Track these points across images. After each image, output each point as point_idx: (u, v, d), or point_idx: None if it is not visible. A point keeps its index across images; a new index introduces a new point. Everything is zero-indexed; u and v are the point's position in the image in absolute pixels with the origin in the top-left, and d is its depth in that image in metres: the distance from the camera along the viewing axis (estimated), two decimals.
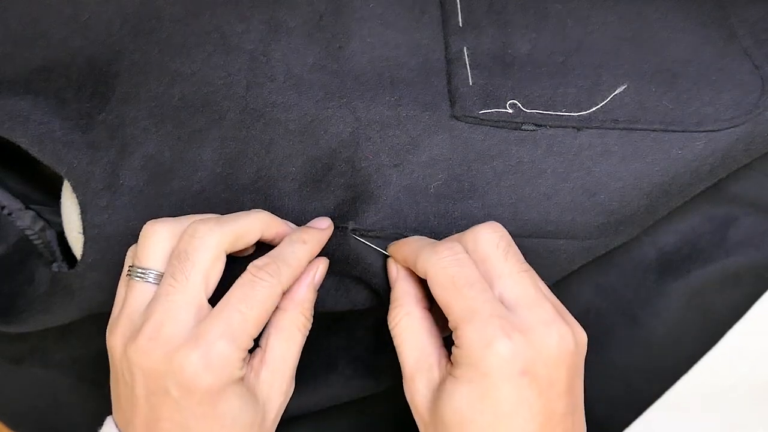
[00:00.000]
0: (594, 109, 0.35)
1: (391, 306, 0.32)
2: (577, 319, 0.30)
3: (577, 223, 0.35)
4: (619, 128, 0.35)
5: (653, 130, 0.35)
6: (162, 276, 0.30)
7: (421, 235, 0.34)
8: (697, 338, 0.43)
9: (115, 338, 0.29)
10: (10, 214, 0.41)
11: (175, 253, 0.29)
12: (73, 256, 0.39)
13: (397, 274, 0.33)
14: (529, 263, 0.31)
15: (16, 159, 0.39)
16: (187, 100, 0.36)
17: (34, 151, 0.34)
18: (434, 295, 0.30)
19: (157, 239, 0.30)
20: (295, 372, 0.32)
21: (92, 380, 0.44)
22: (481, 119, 0.35)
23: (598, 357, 0.43)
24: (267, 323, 0.31)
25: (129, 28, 0.37)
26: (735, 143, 0.35)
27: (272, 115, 0.35)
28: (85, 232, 0.34)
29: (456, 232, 0.33)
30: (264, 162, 0.35)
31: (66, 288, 0.36)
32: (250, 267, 0.30)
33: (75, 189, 0.34)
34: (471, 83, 0.36)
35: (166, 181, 0.35)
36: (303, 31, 0.37)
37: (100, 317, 0.33)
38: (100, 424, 0.31)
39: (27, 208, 0.42)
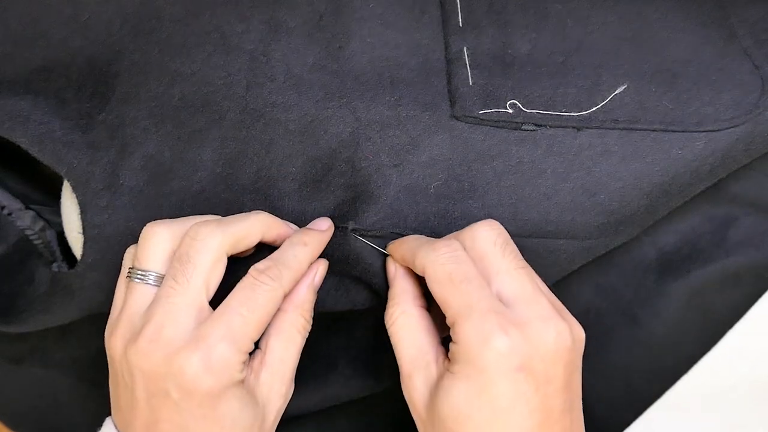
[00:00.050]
0: (594, 109, 0.35)
1: (388, 304, 0.32)
2: (577, 320, 0.30)
3: (577, 223, 0.35)
4: (619, 128, 0.35)
5: (653, 130, 0.35)
6: (162, 278, 0.30)
7: (421, 235, 0.34)
8: (697, 338, 0.43)
9: (115, 340, 0.29)
10: (10, 214, 0.41)
11: (177, 256, 0.29)
12: (73, 256, 0.39)
13: (395, 272, 0.33)
14: (529, 263, 0.31)
15: (16, 159, 0.39)
16: (187, 100, 0.36)
17: (34, 151, 0.34)
18: (432, 292, 0.30)
19: (157, 241, 0.30)
20: (294, 373, 0.32)
21: (92, 380, 0.44)
22: (481, 119, 0.35)
23: (598, 357, 0.43)
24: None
25: (129, 28, 0.37)
26: (735, 143, 0.35)
27: (272, 115, 0.35)
28: (85, 232, 0.34)
29: None
30: (264, 162, 0.35)
31: (66, 288, 0.36)
32: (252, 270, 0.30)
33: (75, 189, 0.34)
34: (471, 83, 0.36)
35: (166, 181, 0.35)
36: (303, 31, 0.37)
37: (99, 317, 0.33)
38: (100, 424, 0.31)
39: (27, 208, 0.42)
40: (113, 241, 0.34)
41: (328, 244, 0.34)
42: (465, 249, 0.30)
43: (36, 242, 0.41)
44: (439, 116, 0.36)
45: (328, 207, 0.35)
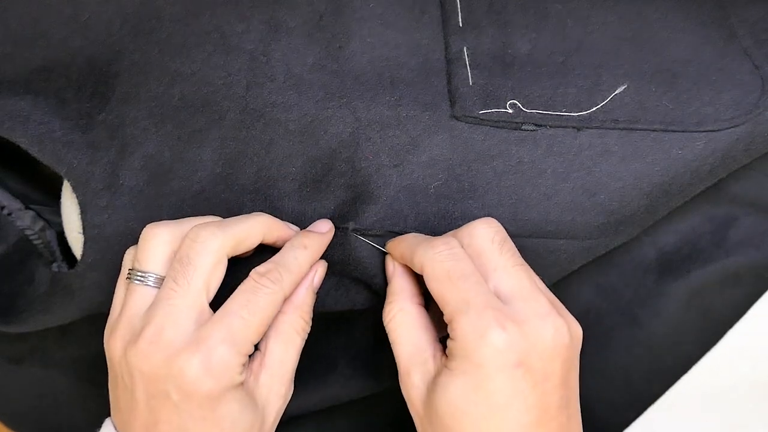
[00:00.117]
0: (594, 109, 0.35)
1: (386, 302, 0.32)
2: (577, 320, 0.30)
3: (577, 223, 0.35)
4: (619, 128, 0.35)
5: (653, 130, 0.35)
6: (162, 279, 0.30)
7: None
8: (697, 338, 0.43)
9: (115, 341, 0.29)
10: (10, 214, 0.41)
11: (177, 257, 0.29)
12: (73, 256, 0.39)
13: (393, 270, 0.33)
14: (529, 263, 0.31)
15: (16, 159, 0.39)
16: (187, 100, 0.36)
17: (34, 151, 0.34)
18: (430, 289, 0.30)
19: (157, 242, 0.30)
20: (294, 375, 0.32)
21: (92, 380, 0.44)
22: (481, 119, 0.35)
23: (598, 357, 0.43)
24: None
25: (129, 28, 0.37)
26: (735, 143, 0.35)
27: (272, 115, 0.35)
28: (85, 232, 0.34)
29: None
30: (264, 162, 0.35)
31: (66, 288, 0.36)
32: (253, 273, 0.30)
33: (75, 189, 0.34)
34: (471, 83, 0.36)
35: (166, 181, 0.35)
36: (303, 31, 0.37)
37: (99, 317, 0.33)
38: (100, 424, 0.31)
39: (27, 208, 0.42)
40: (113, 241, 0.34)
41: (328, 244, 0.34)
42: (463, 246, 0.30)
43: (36, 242, 0.41)
44: (439, 116, 0.36)
45: (328, 207, 0.35)
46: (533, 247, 0.35)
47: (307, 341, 0.32)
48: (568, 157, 0.35)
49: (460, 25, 0.38)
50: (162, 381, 0.28)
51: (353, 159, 0.35)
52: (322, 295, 0.35)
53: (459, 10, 0.38)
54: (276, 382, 0.31)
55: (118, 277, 0.32)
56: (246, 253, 0.33)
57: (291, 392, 0.32)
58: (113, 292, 0.32)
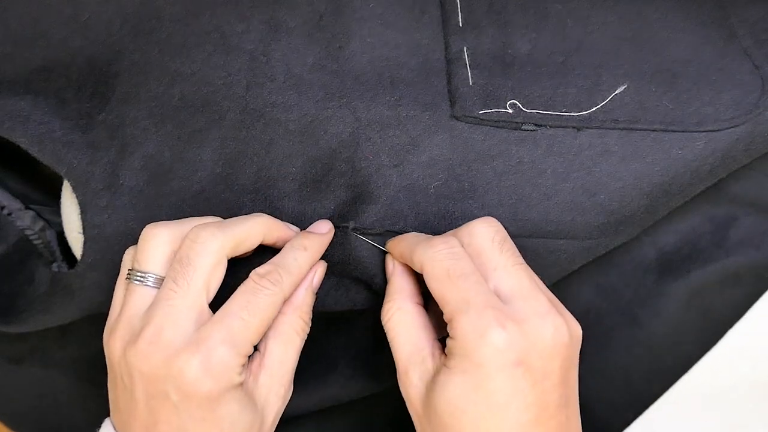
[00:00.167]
0: (594, 109, 0.35)
1: (385, 301, 0.32)
2: (577, 319, 0.30)
3: (577, 223, 0.35)
4: (619, 128, 0.35)
5: (653, 130, 0.35)
6: (161, 280, 0.30)
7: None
8: (697, 338, 0.43)
9: (114, 341, 0.29)
10: (10, 214, 0.41)
11: (177, 258, 0.29)
12: (73, 256, 0.39)
13: (393, 269, 0.33)
14: (529, 263, 0.31)
15: (16, 159, 0.39)
16: (187, 100, 0.36)
17: (34, 151, 0.34)
18: (430, 288, 0.30)
19: (157, 243, 0.30)
20: (293, 376, 0.32)
21: (92, 380, 0.44)
22: (481, 119, 0.35)
23: (598, 357, 0.43)
24: None
25: (129, 28, 0.37)
26: (735, 143, 0.35)
27: (272, 115, 0.35)
28: (85, 232, 0.34)
29: None
30: (264, 162, 0.35)
31: (66, 288, 0.36)
32: (253, 275, 0.30)
33: (75, 189, 0.34)
34: (471, 83, 0.36)
35: (166, 181, 0.35)
36: (303, 31, 0.37)
37: (99, 317, 0.33)
38: (100, 424, 0.31)
39: (27, 208, 0.42)
40: (113, 241, 0.34)
41: (328, 245, 0.34)
42: (463, 246, 0.30)
43: (36, 242, 0.41)
44: (439, 116, 0.36)
45: (328, 207, 0.35)
46: (533, 247, 0.35)
47: (307, 341, 0.32)
48: (568, 157, 0.35)
49: (460, 25, 0.38)
50: (161, 381, 0.28)
51: (353, 159, 0.35)
52: (322, 295, 0.34)
53: (459, 10, 0.38)
54: (275, 383, 0.31)
55: (117, 278, 0.32)
56: (246, 253, 0.33)
57: (290, 393, 0.32)
58: (113, 292, 0.32)
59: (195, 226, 0.30)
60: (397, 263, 0.33)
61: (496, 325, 0.27)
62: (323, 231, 0.33)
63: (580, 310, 0.43)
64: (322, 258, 0.34)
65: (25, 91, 0.36)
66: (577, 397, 0.30)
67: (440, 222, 0.35)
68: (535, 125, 0.35)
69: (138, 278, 0.30)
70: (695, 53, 0.37)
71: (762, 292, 0.43)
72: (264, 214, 0.33)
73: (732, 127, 0.35)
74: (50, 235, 0.42)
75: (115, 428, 0.30)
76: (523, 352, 0.27)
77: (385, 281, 0.34)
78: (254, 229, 0.31)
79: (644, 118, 0.35)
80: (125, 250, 0.32)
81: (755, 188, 0.43)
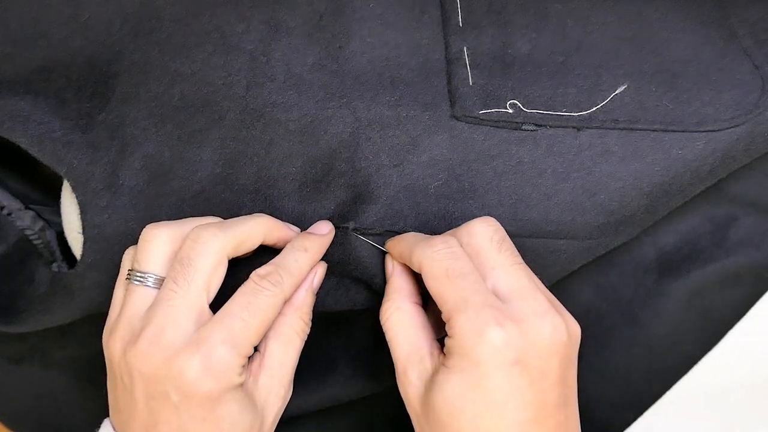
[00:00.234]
0: (594, 109, 0.35)
1: (384, 300, 0.32)
2: (577, 319, 0.30)
3: (577, 223, 0.35)
4: (619, 128, 0.35)
5: (653, 130, 0.35)
6: (161, 280, 0.30)
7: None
8: (697, 338, 0.43)
9: (114, 342, 0.29)
10: (10, 214, 0.41)
11: (178, 258, 0.29)
12: (73, 256, 0.39)
13: (392, 269, 0.33)
14: (529, 263, 0.31)
15: (16, 159, 0.39)
16: (187, 100, 0.36)
17: (34, 151, 0.34)
18: (428, 288, 0.30)
19: (157, 243, 0.30)
20: (293, 376, 0.32)
21: (92, 380, 0.44)
22: (481, 119, 0.35)
23: (598, 357, 0.43)
24: None
25: (129, 28, 0.37)
26: (735, 143, 0.35)
27: (272, 115, 0.35)
28: (84, 232, 0.34)
29: None
30: (264, 162, 0.35)
31: (66, 288, 0.36)
32: (253, 275, 0.30)
33: (75, 189, 0.34)
34: (471, 83, 0.36)
35: (166, 181, 0.35)
36: (303, 31, 0.37)
37: (99, 317, 0.33)
38: (99, 425, 0.31)
39: (27, 208, 0.42)
40: (113, 241, 0.34)
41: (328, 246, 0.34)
42: (462, 245, 0.30)
43: (36, 242, 0.41)
44: (439, 116, 0.36)
45: (328, 207, 0.35)
46: (533, 247, 0.35)
47: (307, 341, 0.32)
48: (568, 157, 0.35)
49: (460, 25, 0.38)
50: (162, 382, 0.28)
51: (353, 159, 0.35)
52: (322, 295, 0.34)
53: (459, 10, 0.38)
54: (275, 383, 0.31)
55: (117, 278, 0.32)
56: (246, 253, 0.33)
57: (290, 393, 0.32)
58: (113, 292, 0.32)
59: (196, 227, 0.30)
60: (396, 263, 0.33)
61: (494, 324, 0.27)
62: (324, 232, 0.33)
63: (580, 310, 0.43)
64: (323, 258, 0.34)
65: (25, 91, 0.36)
66: (576, 397, 0.30)
67: (440, 222, 0.35)
68: (535, 125, 0.35)
69: (138, 278, 0.30)
70: (695, 53, 0.37)
71: (762, 292, 0.43)
72: (265, 215, 0.33)
73: (732, 127, 0.35)
74: (50, 235, 0.42)
75: (114, 428, 0.30)
76: (521, 351, 0.27)
77: (385, 281, 0.34)
78: (255, 229, 0.31)
79: (644, 118, 0.35)
80: (125, 250, 0.32)
81: (755, 188, 0.43)
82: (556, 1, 0.38)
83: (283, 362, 0.31)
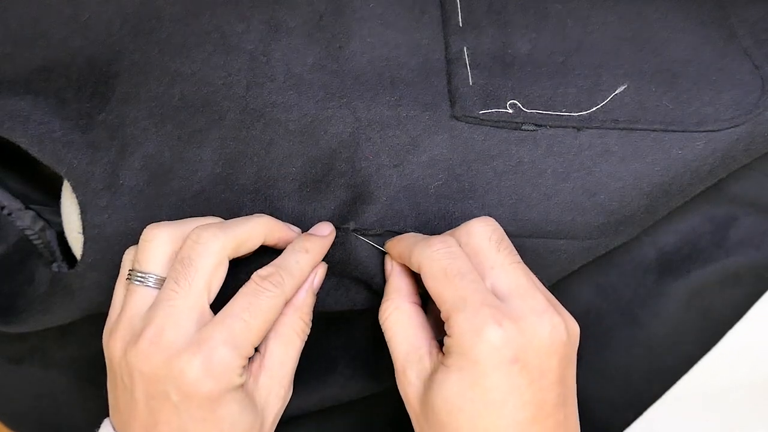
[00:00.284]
0: (594, 109, 0.35)
1: (383, 300, 0.32)
2: (576, 319, 0.30)
3: (577, 223, 0.35)
4: (619, 128, 0.35)
5: (653, 130, 0.35)
6: (162, 280, 0.30)
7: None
8: (697, 338, 0.43)
9: (114, 342, 0.29)
10: (10, 214, 0.41)
11: (179, 258, 0.29)
12: (73, 256, 0.39)
13: (391, 269, 0.33)
14: (529, 263, 0.31)
15: (16, 159, 0.39)
16: (187, 100, 0.36)
17: (34, 151, 0.34)
18: (427, 287, 0.30)
19: (158, 243, 0.30)
20: (293, 376, 0.32)
21: (92, 380, 0.44)
22: (481, 119, 0.35)
23: (598, 357, 0.43)
24: None
25: (129, 28, 0.37)
26: (735, 143, 0.35)
27: (272, 115, 0.35)
28: (85, 232, 0.34)
29: None
30: (264, 162, 0.35)
31: (66, 288, 0.36)
32: (254, 276, 0.30)
33: (75, 189, 0.34)
34: (471, 83, 0.36)
35: (166, 181, 0.35)
36: (303, 31, 0.37)
37: (99, 317, 0.33)
38: (99, 425, 0.31)
39: (27, 208, 0.42)
40: (113, 241, 0.34)
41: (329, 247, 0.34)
42: (461, 245, 0.30)
43: (36, 242, 0.41)
44: (439, 116, 0.36)
45: (328, 207, 0.35)
46: (533, 247, 0.35)
47: (307, 341, 0.32)
48: (568, 157, 0.35)
49: (460, 25, 0.38)
50: (162, 382, 0.28)
51: (353, 159, 0.35)
52: (322, 295, 0.34)
53: (459, 10, 0.38)
54: (275, 384, 0.31)
55: (117, 278, 0.32)
56: (247, 254, 0.33)
57: (290, 393, 0.32)
58: (113, 292, 0.32)
59: (197, 227, 0.30)
60: (395, 263, 0.33)
61: (492, 323, 0.27)
62: (325, 233, 0.33)
63: (580, 310, 0.43)
64: (323, 259, 0.34)
65: (25, 91, 0.36)
66: (575, 397, 0.30)
67: (440, 222, 0.35)
68: (535, 125, 0.35)
69: (138, 278, 0.30)
70: (695, 53, 0.37)
71: (762, 292, 0.43)
72: (265, 215, 0.33)
73: (732, 127, 0.35)
74: (50, 235, 0.42)
75: (114, 428, 0.30)
76: (519, 350, 0.27)
77: (384, 281, 0.34)
78: (255, 230, 0.31)
79: (644, 118, 0.35)
80: (125, 250, 0.32)
81: (755, 188, 0.43)
82: (556, 1, 0.38)
83: (283, 362, 0.31)
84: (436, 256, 0.29)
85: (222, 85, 0.36)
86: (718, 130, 0.35)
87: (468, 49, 0.37)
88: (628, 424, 0.44)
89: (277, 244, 0.33)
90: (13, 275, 0.39)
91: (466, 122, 0.35)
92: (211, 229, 0.30)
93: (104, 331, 0.31)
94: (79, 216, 0.34)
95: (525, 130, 0.35)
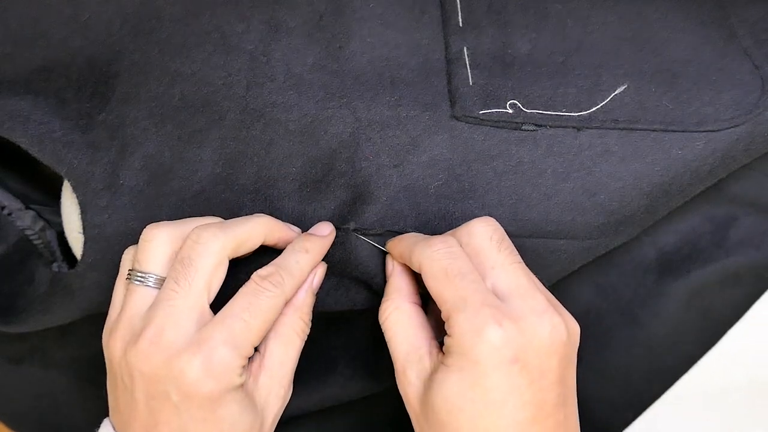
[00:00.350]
0: (594, 109, 0.35)
1: (383, 300, 0.32)
2: (576, 319, 0.30)
3: (577, 223, 0.35)
4: (619, 128, 0.35)
5: (653, 130, 0.35)
6: (162, 280, 0.30)
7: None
8: (697, 338, 0.43)
9: (114, 342, 0.29)
10: (10, 214, 0.41)
11: (179, 258, 0.29)
12: (73, 256, 0.39)
13: (392, 269, 0.33)
14: (529, 263, 0.31)
15: (16, 159, 0.39)
16: (187, 100, 0.36)
17: (34, 151, 0.34)
18: (428, 287, 0.30)
19: (158, 243, 0.30)
20: (293, 376, 0.32)
21: (92, 380, 0.44)
22: (482, 119, 0.35)
23: (598, 357, 0.43)
24: None
25: (129, 28, 0.37)
26: (735, 143, 0.35)
27: (272, 115, 0.35)
28: (85, 232, 0.34)
29: None
30: (264, 162, 0.35)
31: (66, 288, 0.36)
32: (254, 276, 0.30)
33: (75, 189, 0.34)
34: (471, 83, 0.36)
35: (166, 181, 0.35)
36: (303, 31, 0.37)
37: (99, 317, 0.33)
38: (99, 425, 0.31)
39: (27, 208, 0.42)
40: (113, 241, 0.34)
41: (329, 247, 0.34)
42: (461, 245, 0.30)
43: (36, 242, 0.41)
44: (440, 116, 0.36)
45: (328, 207, 0.35)
46: (533, 247, 0.35)
47: (307, 341, 0.32)
48: (568, 157, 0.35)
49: (460, 25, 0.38)
50: (162, 382, 0.28)
51: (353, 159, 0.35)
52: (322, 295, 0.34)
53: (459, 10, 0.38)
54: (275, 384, 0.31)
55: (117, 277, 0.32)
56: (247, 254, 0.33)
57: (290, 393, 0.32)
58: (113, 292, 0.32)
59: (197, 227, 0.30)
60: (396, 263, 0.33)
61: (492, 323, 0.27)
62: (325, 233, 0.33)
63: (580, 310, 0.43)
64: (323, 259, 0.34)
65: (25, 91, 0.36)
66: (575, 397, 0.30)
67: (440, 222, 0.35)
68: (535, 125, 0.35)
69: (138, 278, 0.30)
70: (695, 53, 0.37)
71: (762, 292, 0.43)
72: (265, 215, 0.33)
73: (732, 127, 0.35)
74: (50, 235, 0.42)
75: (114, 428, 0.30)
76: (519, 350, 0.27)
77: (385, 281, 0.34)
78: (255, 230, 0.31)
79: (644, 118, 0.35)
80: (125, 250, 0.32)
81: (755, 188, 0.43)
82: (556, 1, 0.38)
83: (283, 362, 0.31)
84: (437, 256, 0.29)
85: (222, 85, 0.36)
86: (718, 130, 0.35)
87: (468, 49, 0.37)
88: (628, 424, 0.44)
89: (277, 244, 0.33)
90: (13, 275, 0.39)
91: (466, 122, 0.35)
92: (211, 229, 0.30)
93: (104, 331, 0.31)
94: (79, 216, 0.34)
95: (525, 130, 0.35)
